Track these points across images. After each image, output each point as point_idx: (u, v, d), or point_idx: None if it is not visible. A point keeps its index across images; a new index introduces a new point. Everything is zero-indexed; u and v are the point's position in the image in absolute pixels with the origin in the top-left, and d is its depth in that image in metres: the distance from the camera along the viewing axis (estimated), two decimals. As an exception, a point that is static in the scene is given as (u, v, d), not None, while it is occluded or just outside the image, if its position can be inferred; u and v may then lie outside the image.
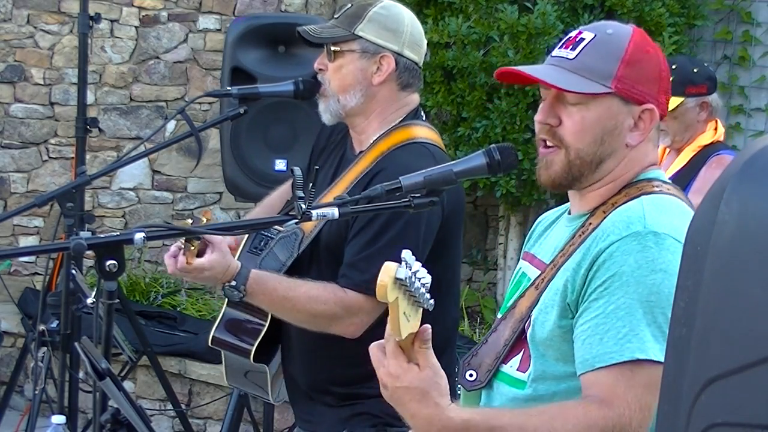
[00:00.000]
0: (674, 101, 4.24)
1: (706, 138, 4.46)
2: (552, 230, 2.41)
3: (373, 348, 2.07)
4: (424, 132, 3.18)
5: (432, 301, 1.98)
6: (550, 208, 5.99)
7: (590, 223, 2.24)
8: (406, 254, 1.91)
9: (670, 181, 2.32)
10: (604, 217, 2.21)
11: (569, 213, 2.36)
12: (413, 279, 1.91)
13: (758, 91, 6.51)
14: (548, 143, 2.27)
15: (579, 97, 2.23)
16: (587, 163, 2.24)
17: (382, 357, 2.05)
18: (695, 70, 4.48)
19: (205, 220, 2.87)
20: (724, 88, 6.52)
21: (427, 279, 1.95)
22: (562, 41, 2.30)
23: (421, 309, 1.97)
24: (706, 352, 1.16)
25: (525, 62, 5.39)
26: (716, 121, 4.56)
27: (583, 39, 2.26)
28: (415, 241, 3.00)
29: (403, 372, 2.02)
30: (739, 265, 1.14)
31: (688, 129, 4.42)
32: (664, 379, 1.25)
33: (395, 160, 3.06)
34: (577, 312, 2.15)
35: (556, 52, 2.29)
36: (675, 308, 1.23)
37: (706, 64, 4.72)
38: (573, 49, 2.25)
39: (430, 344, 2.03)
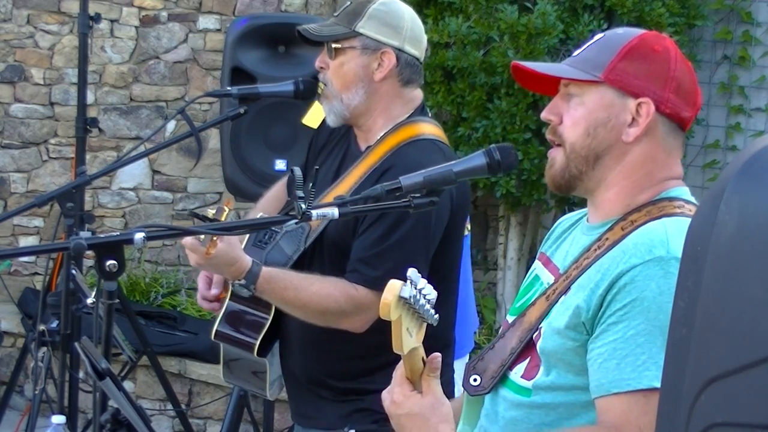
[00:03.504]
0: None
1: None
2: (570, 235, 2.39)
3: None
4: (431, 129, 3.18)
5: (436, 317, 2.02)
6: (551, 209, 5.98)
7: (607, 238, 2.20)
8: (412, 272, 1.95)
9: (693, 200, 2.27)
10: (623, 235, 2.17)
11: (587, 221, 2.33)
12: (418, 297, 1.95)
13: (758, 91, 6.50)
14: (555, 142, 2.29)
15: (577, 91, 2.24)
16: (582, 158, 2.22)
17: (390, 386, 2.09)
18: None
19: (227, 209, 2.91)
20: (724, 88, 6.52)
21: (433, 295, 1.99)
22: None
23: (425, 324, 2.00)
24: (706, 352, 1.16)
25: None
26: None
27: (595, 40, 2.29)
28: (425, 237, 3.01)
29: (405, 399, 2.06)
30: (739, 265, 1.14)
31: None
32: (664, 379, 1.25)
33: (405, 156, 3.06)
34: (592, 330, 2.13)
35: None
36: (675, 308, 1.23)
37: None
38: (583, 49, 2.29)
39: (438, 373, 2.06)
